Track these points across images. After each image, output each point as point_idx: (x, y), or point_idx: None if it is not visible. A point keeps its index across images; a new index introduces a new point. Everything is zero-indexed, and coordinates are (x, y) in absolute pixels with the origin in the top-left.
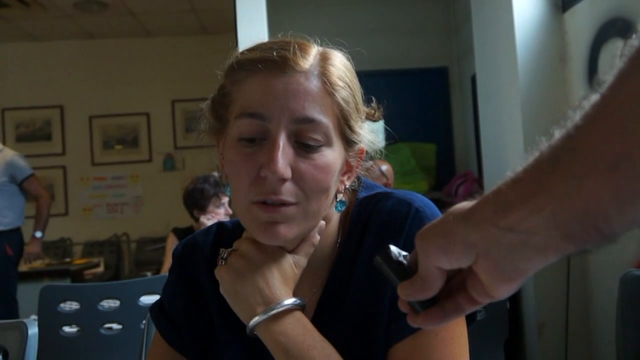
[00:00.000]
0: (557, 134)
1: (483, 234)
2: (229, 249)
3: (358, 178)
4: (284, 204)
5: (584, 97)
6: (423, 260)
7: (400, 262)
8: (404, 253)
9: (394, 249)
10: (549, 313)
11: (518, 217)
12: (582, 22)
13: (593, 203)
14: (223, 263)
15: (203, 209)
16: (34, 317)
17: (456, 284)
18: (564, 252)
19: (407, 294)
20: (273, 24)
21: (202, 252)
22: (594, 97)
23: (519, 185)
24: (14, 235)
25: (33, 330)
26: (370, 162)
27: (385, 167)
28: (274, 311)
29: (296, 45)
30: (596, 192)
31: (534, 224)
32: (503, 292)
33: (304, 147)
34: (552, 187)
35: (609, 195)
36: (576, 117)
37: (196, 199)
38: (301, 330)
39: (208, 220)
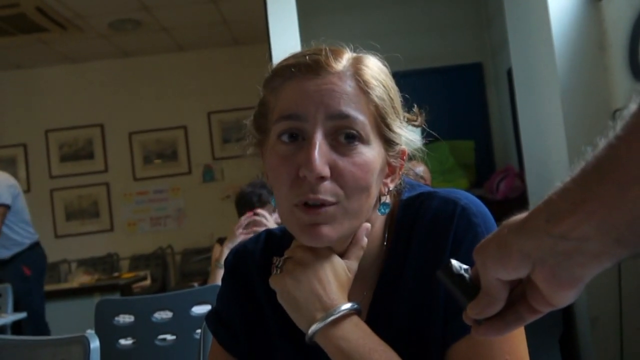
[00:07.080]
0: (601, 143)
1: (537, 243)
2: (283, 257)
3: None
4: (324, 204)
5: (624, 107)
6: (483, 274)
7: (462, 276)
8: (465, 266)
9: (455, 263)
10: (601, 306)
11: (570, 225)
12: (619, 8)
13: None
14: (278, 272)
15: None
16: (90, 331)
17: (517, 295)
18: (618, 256)
19: (476, 312)
20: (305, 31)
21: (253, 259)
22: (633, 107)
23: (568, 194)
24: (29, 254)
25: (95, 344)
26: (410, 165)
27: (421, 168)
28: (333, 317)
29: (328, 50)
30: None
31: (585, 231)
32: (562, 299)
33: (341, 145)
34: (599, 195)
35: None
36: (617, 126)
37: (252, 202)
38: (361, 334)
39: (245, 220)
